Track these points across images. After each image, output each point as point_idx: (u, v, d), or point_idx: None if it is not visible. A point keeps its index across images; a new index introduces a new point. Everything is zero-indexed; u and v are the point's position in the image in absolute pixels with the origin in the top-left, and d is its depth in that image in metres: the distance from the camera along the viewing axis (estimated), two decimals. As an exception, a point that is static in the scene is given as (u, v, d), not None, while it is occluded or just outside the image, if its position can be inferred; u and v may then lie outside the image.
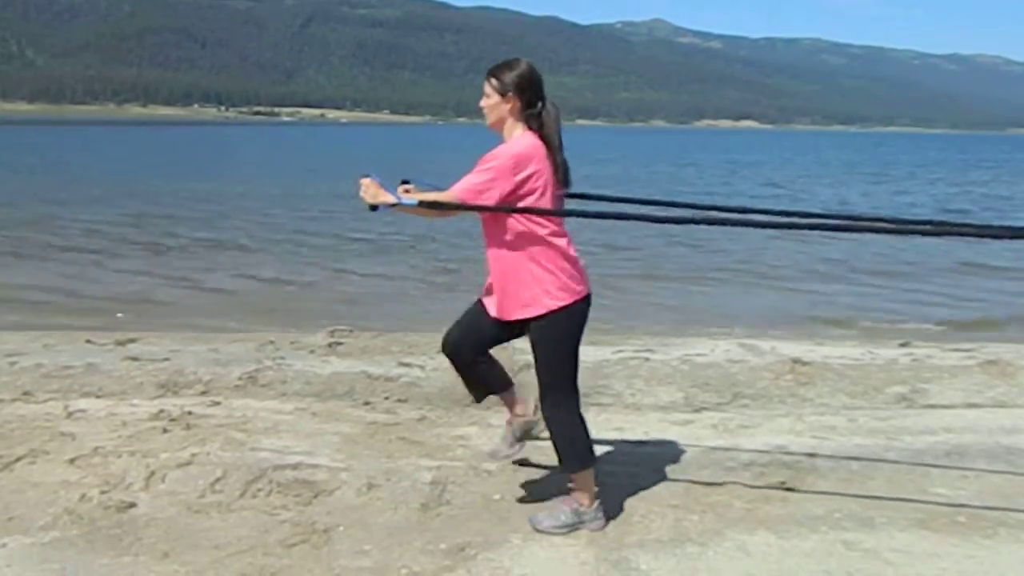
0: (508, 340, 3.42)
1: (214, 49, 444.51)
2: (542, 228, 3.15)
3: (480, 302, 3.40)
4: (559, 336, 3.20)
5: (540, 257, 3.16)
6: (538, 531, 3.27)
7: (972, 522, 3.42)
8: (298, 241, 14.53)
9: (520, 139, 3.17)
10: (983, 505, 3.57)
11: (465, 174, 3.12)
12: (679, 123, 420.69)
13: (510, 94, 3.18)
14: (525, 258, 3.17)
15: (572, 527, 3.28)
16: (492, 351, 3.47)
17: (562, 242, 3.19)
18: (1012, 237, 3.11)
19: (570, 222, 3.29)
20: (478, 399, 3.62)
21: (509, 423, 3.61)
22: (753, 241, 14.29)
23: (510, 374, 3.57)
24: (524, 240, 3.16)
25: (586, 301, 3.24)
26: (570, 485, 3.34)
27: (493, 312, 3.31)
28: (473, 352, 3.41)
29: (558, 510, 3.32)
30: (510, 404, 3.57)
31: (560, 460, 3.32)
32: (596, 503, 3.31)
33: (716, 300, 10.26)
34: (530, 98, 3.19)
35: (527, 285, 3.17)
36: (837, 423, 4.75)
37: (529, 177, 3.10)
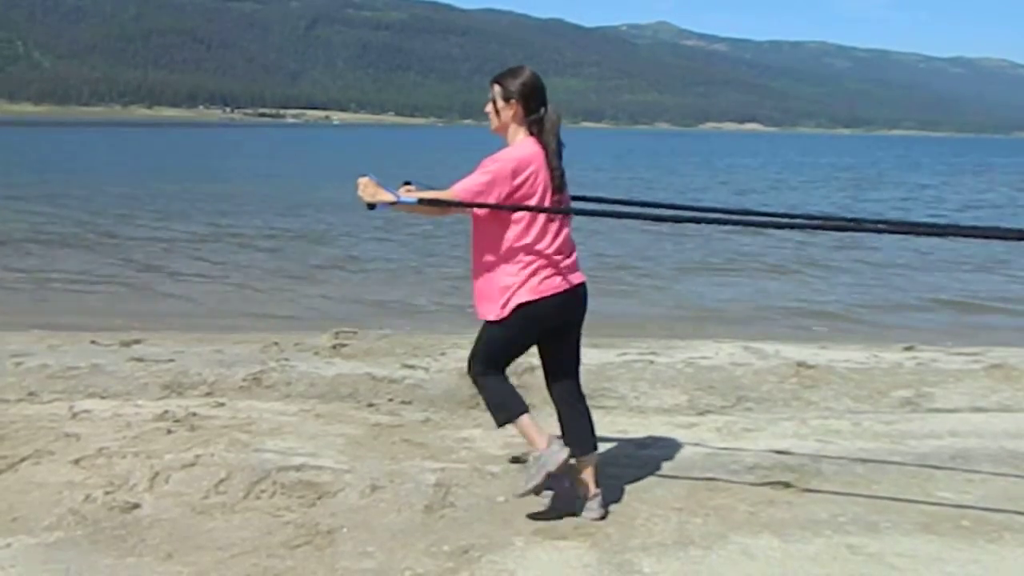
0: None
1: (219, 51, 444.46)
2: (528, 231, 3.24)
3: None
4: (510, 325, 3.28)
5: (519, 257, 3.25)
6: (519, 496, 3.33)
7: (977, 526, 3.41)
8: (301, 242, 14.55)
9: (522, 144, 3.29)
10: (988, 509, 3.56)
11: (466, 175, 3.23)
12: (684, 126, 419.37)
13: (513, 100, 3.29)
14: (504, 258, 3.27)
15: (541, 474, 3.24)
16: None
17: (547, 243, 3.26)
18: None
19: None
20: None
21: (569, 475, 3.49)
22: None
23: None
24: (507, 241, 3.25)
25: (555, 297, 3.28)
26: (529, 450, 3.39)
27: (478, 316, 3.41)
28: (563, 391, 3.51)
29: (523, 470, 3.38)
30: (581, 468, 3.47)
31: (493, 417, 3.40)
32: (550, 438, 3.30)
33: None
34: (532, 104, 3.30)
35: (499, 285, 3.27)
36: (841, 427, 4.75)
37: (526, 181, 3.22)
